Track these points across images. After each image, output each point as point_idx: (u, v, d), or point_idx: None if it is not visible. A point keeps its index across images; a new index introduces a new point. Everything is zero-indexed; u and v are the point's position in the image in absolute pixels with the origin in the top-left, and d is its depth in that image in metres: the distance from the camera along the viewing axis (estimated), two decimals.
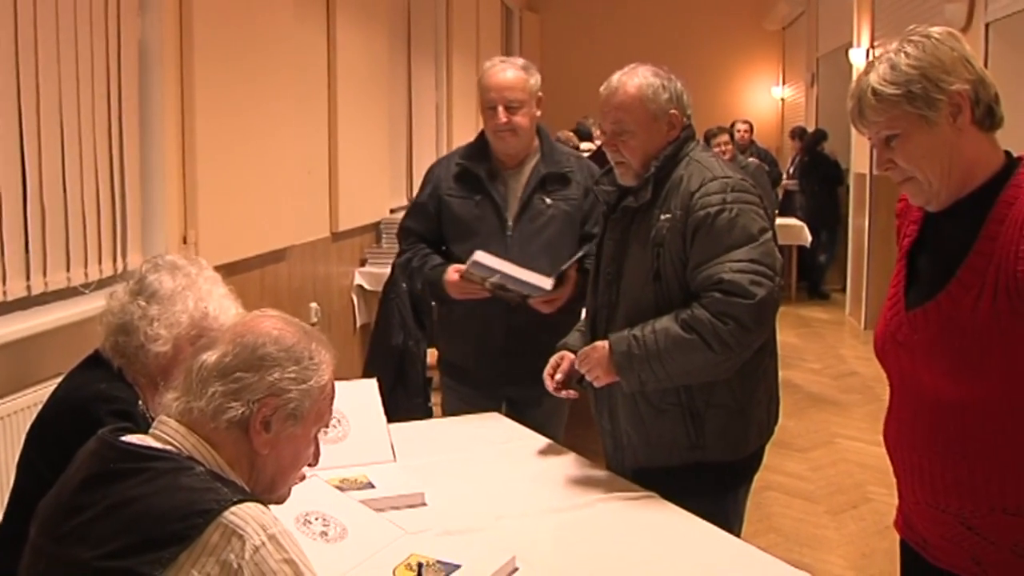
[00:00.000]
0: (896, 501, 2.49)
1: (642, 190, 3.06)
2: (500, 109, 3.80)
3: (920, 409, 2.27)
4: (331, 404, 2.00)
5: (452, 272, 3.79)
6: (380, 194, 8.16)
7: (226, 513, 1.71)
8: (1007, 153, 2.24)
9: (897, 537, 2.53)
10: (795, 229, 11.98)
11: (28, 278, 3.81)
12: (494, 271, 3.66)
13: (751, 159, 9.75)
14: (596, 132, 11.33)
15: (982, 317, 2.11)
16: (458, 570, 2.28)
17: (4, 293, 3.69)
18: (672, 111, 3.10)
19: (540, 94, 3.92)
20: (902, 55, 2.16)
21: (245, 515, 1.72)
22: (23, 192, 3.79)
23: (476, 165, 3.92)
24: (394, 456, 3.16)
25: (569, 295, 3.71)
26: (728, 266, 2.88)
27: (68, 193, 4.03)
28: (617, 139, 3.11)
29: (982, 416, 2.16)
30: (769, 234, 2.97)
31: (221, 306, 2.64)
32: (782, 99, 17.84)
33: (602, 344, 3.01)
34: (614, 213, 3.19)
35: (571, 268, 3.69)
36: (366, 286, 7.64)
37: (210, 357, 1.89)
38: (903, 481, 2.39)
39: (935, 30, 2.21)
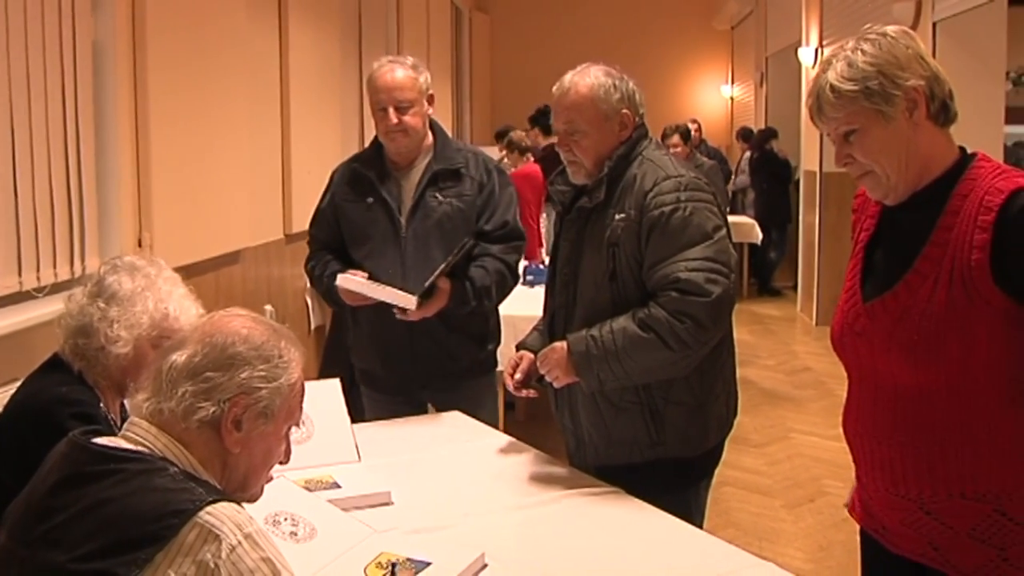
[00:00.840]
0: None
1: (596, 190, 3.07)
2: (390, 110, 3.75)
3: (879, 398, 2.32)
4: (301, 401, 2.00)
5: (340, 280, 3.77)
6: None
7: (201, 513, 1.71)
8: (961, 148, 2.30)
9: (855, 528, 2.57)
10: (746, 227, 12.09)
11: None
12: (357, 285, 3.66)
13: (706, 159, 9.80)
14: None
15: (939, 306, 2.16)
16: (428, 567, 2.28)
17: None
18: (624, 111, 3.11)
19: (431, 92, 3.86)
20: (859, 53, 2.21)
21: (221, 515, 1.72)
22: None
23: (368, 168, 3.89)
24: (359, 456, 3.15)
25: (441, 306, 3.64)
26: (684, 265, 2.90)
27: (19, 195, 3.97)
28: (569, 139, 3.12)
29: (940, 403, 2.21)
30: (724, 231, 3.00)
31: (181, 306, 2.64)
32: (731, 98, 17.97)
33: (560, 345, 3.02)
34: (569, 214, 3.19)
35: (440, 279, 3.61)
36: None
37: (179, 357, 1.88)
38: (863, 469, 2.43)
39: (890, 28, 2.26)
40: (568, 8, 17.60)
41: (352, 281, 3.64)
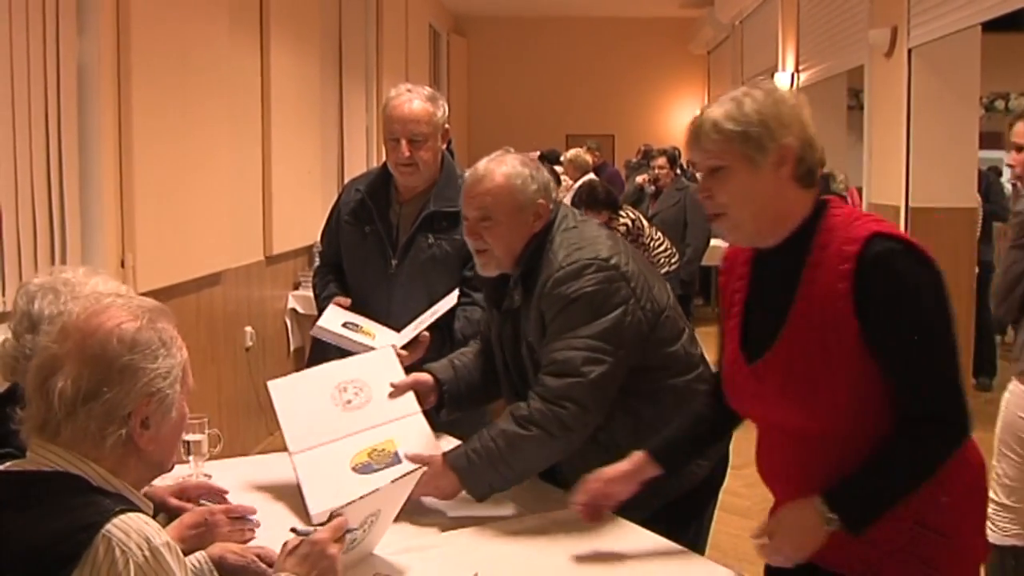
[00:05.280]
0: None
1: (513, 293, 3.00)
2: (403, 143, 3.60)
3: (784, 443, 2.38)
4: (188, 360, 1.95)
5: (315, 331, 3.64)
6: (313, 218, 8.11)
7: (108, 526, 1.70)
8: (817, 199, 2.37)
9: None
10: (719, 251, 12.15)
11: None
12: (333, 337, 3.55)
13: (689, 183, 9.87)
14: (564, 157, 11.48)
15: (818, 357, 2.24)
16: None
17: None
18: (540, 200, 2.99)
19: (447, 126, 3.73)
20: (748, 99, 2.28)
21: (128, 527, 1.71)
22: None
23: (372, 195, 3.77)
24: (421, 407, 3.12)
25: (419, 357, 3.47)
26: (565, 344, 2.84)
27: (3, 216, 3.99)
28: (480, 225, 2.99)
29: (841, 442, 2.27)
30: (622, 309, 2.88)
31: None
32: None
33: (438, 460, 2.84)
34: (499, 310, 3.13)
35: (420, 333, 3.50)
36: (299, 309, 7.61)
37: (65, 382, 1.79)
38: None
39: (782, 89, 2.37)
40: (545, 33, 17.68)
41: (328, 333, 3.52)
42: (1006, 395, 3.88)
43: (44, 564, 1.67)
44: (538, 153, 11.42)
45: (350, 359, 3.27)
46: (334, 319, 3.56)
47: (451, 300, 3.55)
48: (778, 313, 2.30)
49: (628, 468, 2.61)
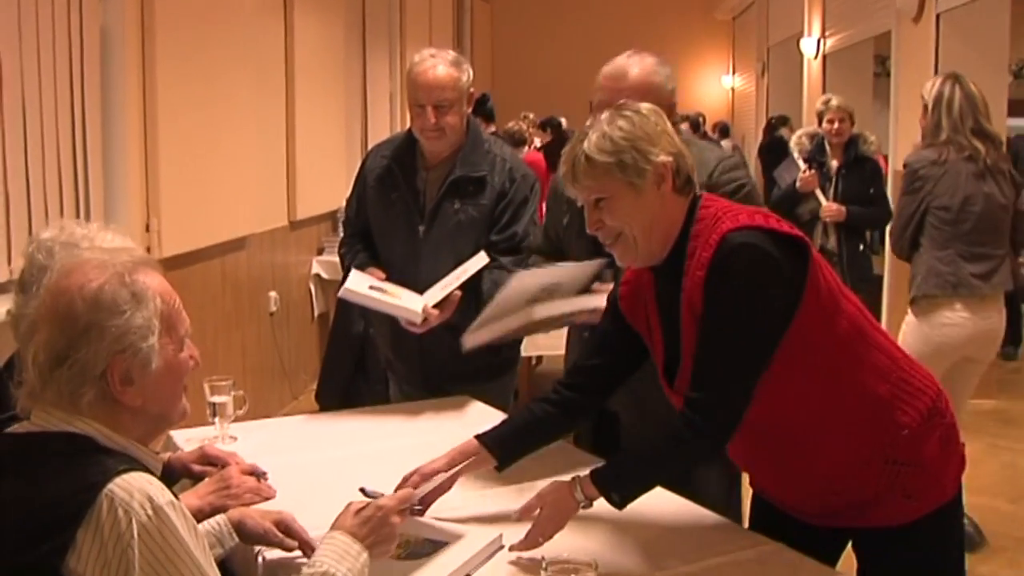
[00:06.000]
0: None
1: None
2: (429, 109, 3.55)
3: (739, 439, 2.41)
4: (176, 310, 1.91)
5: (343, 293, 3.61)
6: (336, 183, 8.14)
7: (111, 485, 1.70)
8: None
9: None
10: None
11: None
12: (361, 299, 3.54)
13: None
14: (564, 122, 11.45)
15: None
16: (445, 548, 2.30)
17: None
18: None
19: (472, 90, 3.69)
20: (615, 127, 2.31)
21: (130, 487, 1.71)
22: None
23: (397, 162, 3.74)
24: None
25: (447, 317, 3.47)
26: None
27: (31, 182, 4.01)
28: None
29: (790, 429, 2.38)
30: None
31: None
32: (732, 89, 17.98)
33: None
34: None
35: (451, 292, 3.48)
36: (323, 275, 7.64)
37: (38, 347, 1.80)
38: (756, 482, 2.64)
39: (643, 106, 2.39)
40: None
41: (356, 295, 3.52)
42: (903, 326, 4.65)
43: (48, 524, 1.68)
44: (563, 120, 11.41)
45: None
46: (361, 282, 3.55)
47: (480, 261, 3.52)
48: (675, 328, 2.37)
49: (454, 456, 2.54)
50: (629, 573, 2.25)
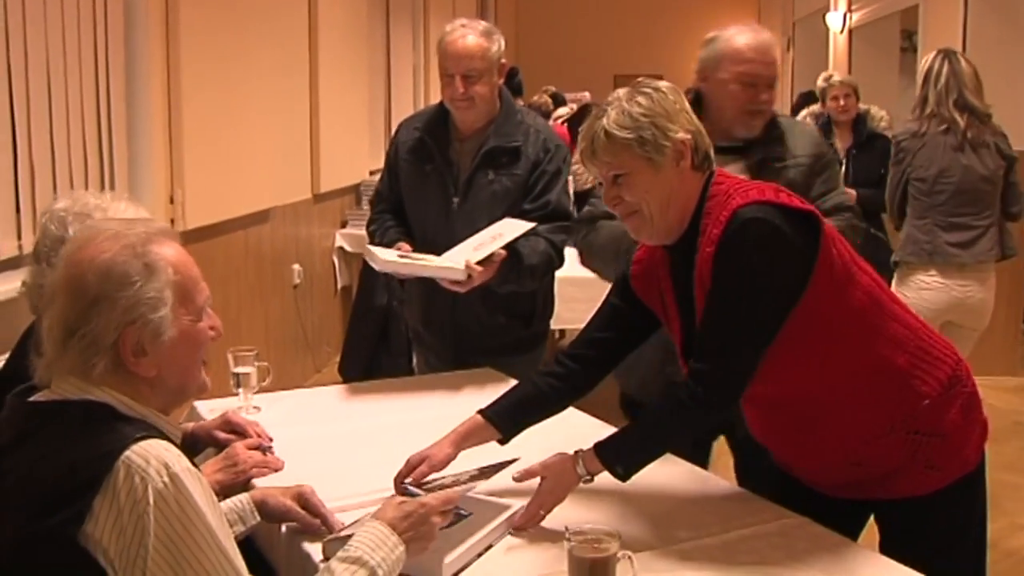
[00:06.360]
0: None
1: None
2: (457, 79, 3.56)
3: (757, 414, 2.50)
4: (192, 280, 1.90)
5: (380, 266, 3.57)
6: (360, 156, 8.16)
7: (128, 452, 1.70)
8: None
9: None
10: None
11: (19, 238, 3.81)
12: (398, 267, 3.52)
13: None
14: (569, 97, 11.40)
15: None
16: (467, 518, 2.30)
17: None
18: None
19: (503, 61, 3.69)
20: (634, 103, 2.32)
21: (147, 453, 1.71)
22: (13, 154, 3.80)
23: (430, 133, 3.73)
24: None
25: (488, 277, 3.42)
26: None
27: (56, 154, 4.03)
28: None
29: (807, 402, 2.39)
30: None
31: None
32: None
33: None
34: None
35: (495, 252, 3.43)
36: (347, 248, 7.66)
37: (53, 318, 1.82)
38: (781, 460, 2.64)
39: (662, 84, 2.39)
40: None
41: (392, 263, 3.48)
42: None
43: (65, 492, 1.68)
44: (587, 94, 11.38)
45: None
46: (390, 253, 3.53)
47: (521, 227, 3.50)
48: (692, 306, 2.37)
49: (461, 431, 2.57)
50: (651, 545, 2.25)
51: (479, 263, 3.38)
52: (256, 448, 2.66)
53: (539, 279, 3.64)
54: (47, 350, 1.83)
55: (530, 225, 3.49)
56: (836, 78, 6.56)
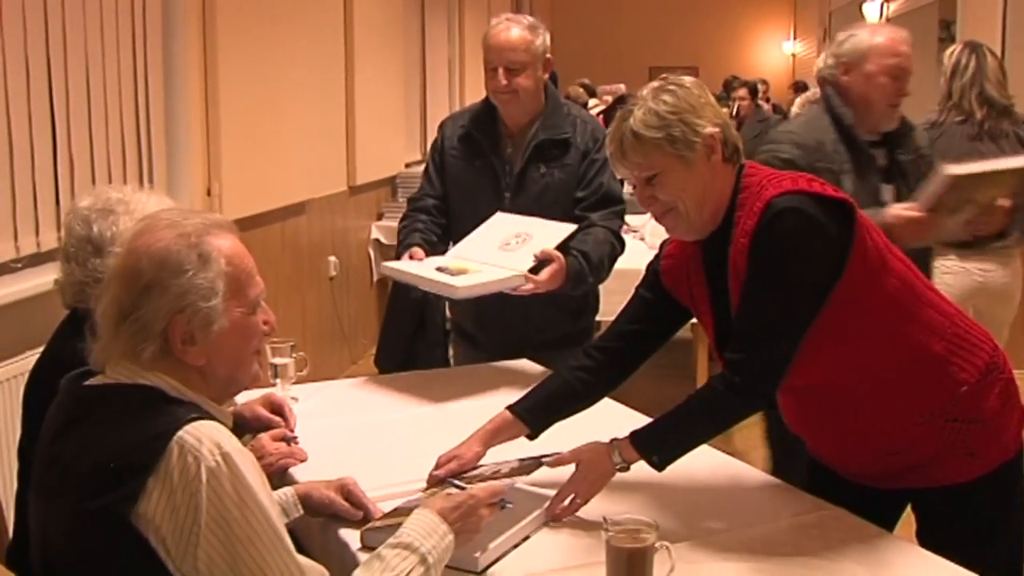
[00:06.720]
0: None
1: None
2: (500, 71, 3.55)
3: (792, 403, 2.49)
4: (246, 272, 1.93)
5: (405, 257, 3.52)
6: (395, 148, 8.19)
7: (180, 433, 1.72)
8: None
9: None
10: None
11: (59, 230, 3.84)
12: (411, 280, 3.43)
13: (771, 113, 9.75)
14: (602, 90, 11.40)
15: None
16: (508, 507, 2.30)
17: (38, 244, 3.76)
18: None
19: (548, 55, 3.67)
20: (660, 102, 2.30)
21: (200, 434, 1.73)
22: (53, 148, 3.84)
23: (479, 129, 3.71)
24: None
25: (557, 285, 3.33)
26: None
27: (95, 148, 4.07)
28: None
29: (845, 391, 2.39)
30: None
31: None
32: (793, 55, 17.80)
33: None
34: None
35: (551, 254, 3.34)
36: (383, 240, 7.67)
37: (108, 302, 1.85)
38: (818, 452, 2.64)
39: (686, 79, 2.38)
40: None
41: (403, 269, 3.41)
42: None
43: (119, 472, 1.71)
44: (622, 86, 11.36)
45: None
46: (429, 264, 3.45)
47: (559, 230, 3.43)
48: (727, 300, 2.37)
49: (490, 429, 2.57)
50: (688, 536, 2.25)
51: (531, 271, 3.31)
52: (281, 439, 2.69)
53: (609, 271, 3.60)
54: (102, 334, 1.86)
55: (572, 227, 3.44)
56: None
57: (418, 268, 3.41)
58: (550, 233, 3.41)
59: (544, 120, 3.65)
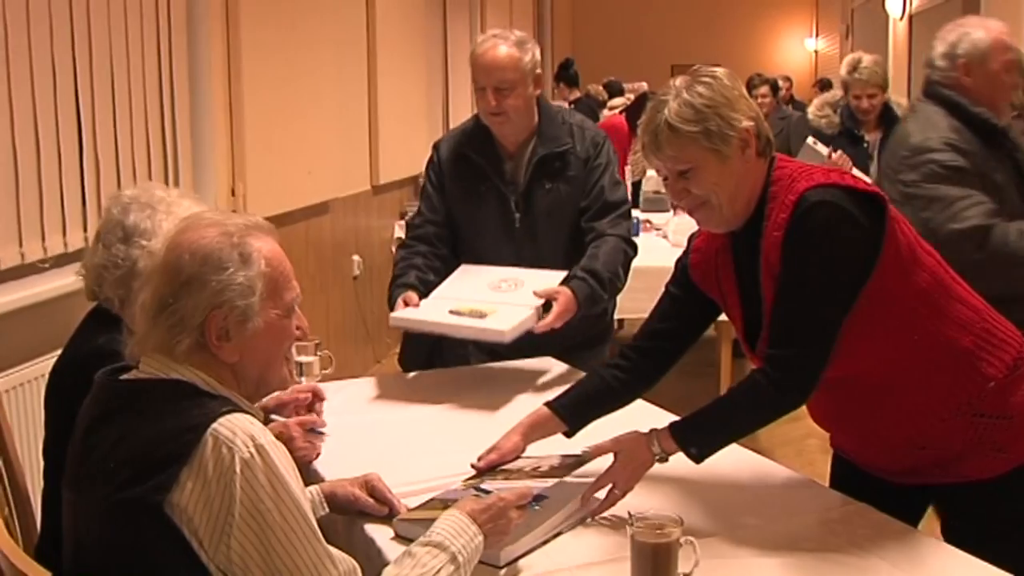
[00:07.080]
0: None
1: None
2: (489, 92, 3.43)
3: (821, 396, 2.42)
4: (284, 276, 1.95)
5: (400, 304, 3.40)
6: (418, 148, 8.16)
7: (215, 425, 1.75)
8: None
9: None
10: None
11: (85, 229, 3.87)
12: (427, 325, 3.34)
13: (792, 112, 9.71)
14: (627, 87, 11.36)
15: None
16: (542, 501, 2.30)
17: (65, 244, 3.78)
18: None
19: (539, 71, 3.53)
20: (694, 94, 2.28)
21: (233, 426, 1.76)
22: (79, 148, 3.87)
23: (476, 151, 3.57)
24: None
25: (570, 317, 3.25)
26: None
27: (120, 149, 4.10)
28: None
29: (873, 383, 2.38)
30: None
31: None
32: (815, 52, 17.74)
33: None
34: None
35: (552, 292, 3.26)
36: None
37: (148, 295, 1.89)
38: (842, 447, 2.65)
39: (719, 71, 2.36)
40: None
41: (415, 313, 3.32)
42: None
43: (154, 463, 1.73)
44: (644, 84, 11.34)
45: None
46: (439, 309, 3.34)
47: (551, 278, 3.33)
48: (757, 291, 2.36)
49: (528, 423, 2.58)
50: (714, 531, 2.25)
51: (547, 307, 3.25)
52: (308, 429, 2.71)
53: (625, 278, 3.55)
54: (139, 326, 1.90)
55: (563, 275, 3.34)
56: (864, 65, 5.99)
57: (436, 316, 3.30)
58: (543, 277, 3.35)
59: (541, 134, 3.55)
